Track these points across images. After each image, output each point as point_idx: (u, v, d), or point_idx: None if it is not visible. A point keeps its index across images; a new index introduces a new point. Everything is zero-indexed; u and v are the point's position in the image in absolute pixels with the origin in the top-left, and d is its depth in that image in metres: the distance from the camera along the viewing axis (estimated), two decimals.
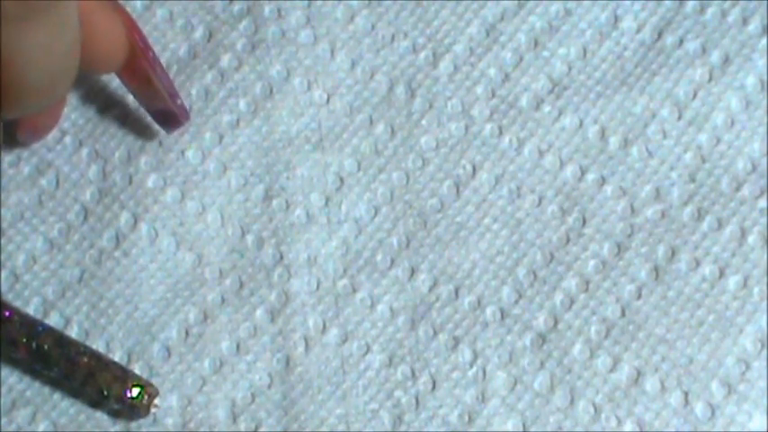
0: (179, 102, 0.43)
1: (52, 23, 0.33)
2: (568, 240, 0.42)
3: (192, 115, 0.44)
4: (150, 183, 0.43)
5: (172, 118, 0.43)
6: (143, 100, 0.43)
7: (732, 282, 0.42)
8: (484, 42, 0.44)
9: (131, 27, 0.40)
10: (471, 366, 0.41)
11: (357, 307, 0.42)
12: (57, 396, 0.41)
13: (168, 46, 0.44)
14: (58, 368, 0.40)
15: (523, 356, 0.41)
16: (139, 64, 0.41)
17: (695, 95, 0.44)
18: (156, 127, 0.44)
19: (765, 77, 0.44)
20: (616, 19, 0.44)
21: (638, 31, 0.44)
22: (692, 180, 0.43)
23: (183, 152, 0.43)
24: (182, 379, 0.41)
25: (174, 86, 0.42)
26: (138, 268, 0.42)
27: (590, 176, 0.43)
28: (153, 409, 0.40)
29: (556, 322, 0.41)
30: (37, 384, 0.41)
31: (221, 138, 0.43)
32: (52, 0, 0.33)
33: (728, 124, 0.43)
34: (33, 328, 0.41)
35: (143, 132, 0.44)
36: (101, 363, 0.40)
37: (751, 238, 0.42)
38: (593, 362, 0.41)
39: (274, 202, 0.43)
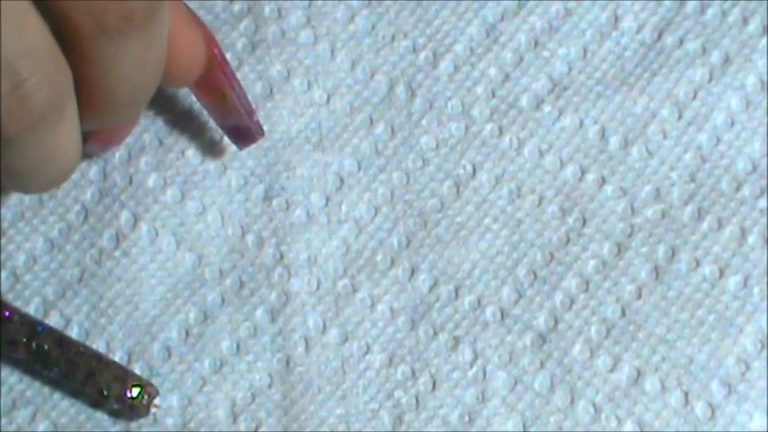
0: (255, 118, 0.42)
1: (148, 38, 0.33)
2: (568, 240, 0.42)
3: (191, 115, 0.44)
4: (150, 182, 0.43)
5: (246, 134, 0.42)
6: (216, 115, 0.42)
7: (732, 282, 0.42)
8: (484, 42, 0.44)
9: (210, 41, 0.40)
10: (471, 366, 0.41)
11: (357, 307, 0.42)
12: (57, 396, 0.41)
13: None
14: (58, 368, 0.40)
15: (524, 356, 0.41)
16: (216, 78, 0.40)
17: (695, 95, 0.44)
18: (157, 127, 0.43)
19: (765, 77, 0.44)
20: (616, 19, 0.44)
21: (639, 31, 0.44)
22: (693, 180, 0.43)
23: (183, 152, 0.43)
24: (182, 379, 0.41)
25: (250, 103, 0.42)
26: (139, 268, 0.42)
27: (590, 176, 0.43)
28: (153, 409, 0.40)
29: (556, 322, 0.41)
30: (37, 384, 0.41)
31: (221, 137, 0.43)
32: (151, 15, 0.33)
33: (729, 124, 0.43)
34: (33, 328, 0.41)
35: (143, 132, 0.44)
36: (101, 363, 0.40)
37: (751, 239, 0.42)
38: (593, 362, 0.41)
39: (274, 202, 0.43)
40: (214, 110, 0.42)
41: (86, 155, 0.42)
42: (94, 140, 0.40)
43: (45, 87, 0.32)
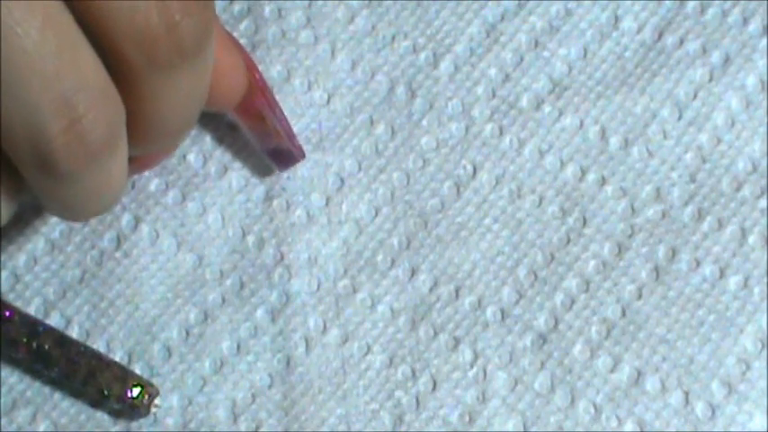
0: (296, 141, 0.42)
1: (196, 69, 0.34)
2: (569, 241, 0.42)
3: None
4: (152, 187, 0.43)
5: (287, 156, 0.42)
6: (256, 138, 0.42)
7: (732, 282, 0.42)
8: (484, 42, 0.44)
9: (251, 66, 0.40)
10: (472, 367, 0.41)
11: (358, 307, 0.42)
12: (57, 396, 0.41)
13: None
14: (59, 368, 0.40)
15: (524, 357, 0.41)
16: (256, 103, 0.40)
17: (696, 96, 0.44)
18: None
19: (766, 77, 0.44)
20: (616, 19, 0.44)
21: (639, 31, 0.44)
22: (693, 180, 0.43)
23: (184, 155, 0.44)
24: (182, 379, 0.41)
25: (290, 125, 0.42)
26: (139, 269, 0.42)
27: (590, 177, 0.43)
28: (153, 409, 0.41)
29: (556, 322, 0.41)
30: (37, 384, 0.41)
31: (222, 139, 0.44)
32: (201, 47, 0.33)
33: (729, 124, 0.43)
34: (34, 328, 0.41)
35: None
36: (101, 363, 0.40)
37: (751, 239, 0.42)
38: (593, 362, 0.41)
39: (275, 203, 0.43)
40: (254, 133, 0.42)
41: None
42: (134, 165, 0.40)
43: (101, 123, 0.32)
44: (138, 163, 0.39)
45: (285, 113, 0.42)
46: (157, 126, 0.35)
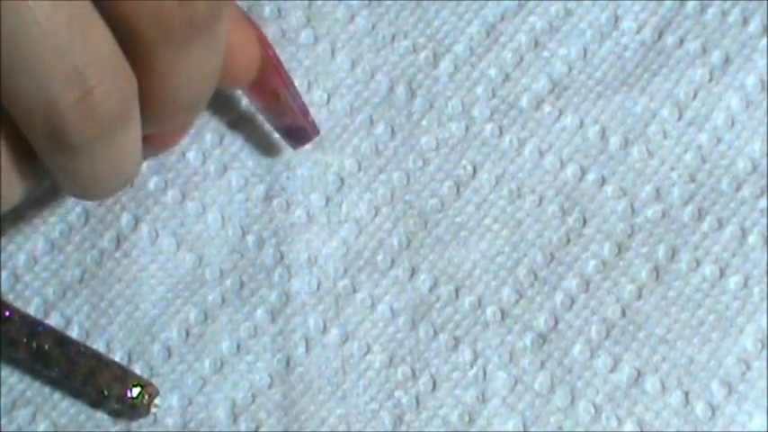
0: (310, 118, 0.42)
1: (209, 42, 0.33)
2: (569, 240, 0.42)
3: None
4: (152, 185, 0.43)
5: (301, 134, 0.42)
6: (270, 116, 0.42)
7: (732, 282, 0.42)
8: (484, 42, 0.44)
9: (264, 42, 0.40)
10: (472, 366, 0.41)
11: (357, 307, 0.42)
12: (57, 396, 0.41)
13: None
14: (59, 368, 0.40)
15: (524, 357, 0.41)
16: (270, 80, 0.40)
17: (695, 95, 0.44)
18: None
19: (766, 77, 0.44)
20: (616, 19, 0.44)
21: (639, 31, 0.44)
22: (693, 180, 0.43)
23: (183, 154, 0.44)
24: (182, 379, 0.41)
25: (304, 102, 0.41)
26: (139, 269, 0.42)
27: (590, 176, 0.43)
28: (153, 409, 0.41)
29: (556, 322, 0.41)
30: (37, 384, 0.41)
31: (222, 138, 0.44)
32: (214, 19, 0.33)
33: (729, 124, 0.43)
34: (34, 328, 0.41)
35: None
36: (101, 363, 0.40)
37: (751, 238, 0.42)
38: (593, 362, 0.41)
39: (275, 203, 0.43)
40: (268, 111, 0.42)
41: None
42: (150, 145, 0.40)
43: (113, 96, 0.32)
44: (152, 143, 0.39)
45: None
46: (171, 102, 0.34)
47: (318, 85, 0.44)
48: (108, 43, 0.32)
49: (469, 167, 0.43)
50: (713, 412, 0.40)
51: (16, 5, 0.30)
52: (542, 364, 0.41)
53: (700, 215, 0.42)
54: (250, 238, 0.43)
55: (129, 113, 0.33)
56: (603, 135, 0.43)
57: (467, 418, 0.41)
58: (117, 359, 0.41)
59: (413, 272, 0.42)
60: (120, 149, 0.34)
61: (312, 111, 0.43)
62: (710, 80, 0.44)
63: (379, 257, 0.42)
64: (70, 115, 0.31)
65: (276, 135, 0.43)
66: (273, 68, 0.40)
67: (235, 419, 0.41)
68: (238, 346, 0.41)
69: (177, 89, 0.34)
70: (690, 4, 0.44)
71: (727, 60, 0.44)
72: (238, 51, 0.38)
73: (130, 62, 0.33)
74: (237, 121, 0.44)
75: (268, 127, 0.43)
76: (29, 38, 0.30)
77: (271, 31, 0.44)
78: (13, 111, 0.32)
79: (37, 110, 0.31)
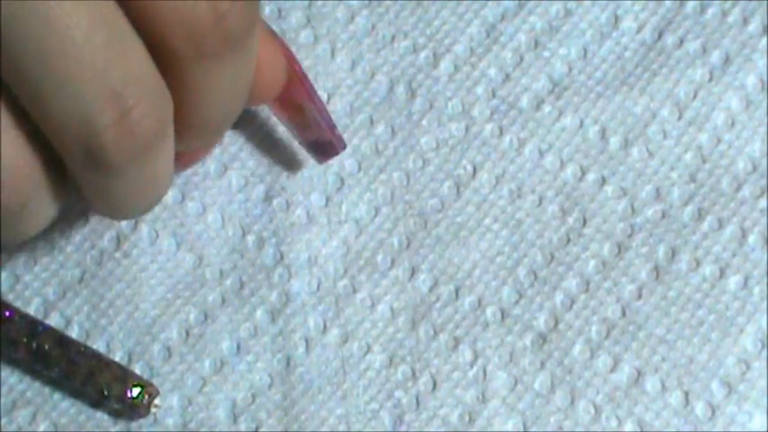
0: (336, 132, 0.41)
1: (242, 60, 0.33)
2: (569, 240, 0.42)
3: None
4: None
5: (327, 148, 0.42)
6: (296, 130, 0.42)
7: (732, 282, 0.42)
8: (484, 42, 0.44)
9: (290, 57, 0.39)
10: (472, 366, 0.41)
11: (357, 307, 0.42)
12: (57, 396, 0.41)
13: None
14: (59, 368, 0.40)
15: (524, 357, 0.41)
16: (295, 94, 0.40)
17: (695, 95, 0.44)
18: None
19: (766, 77, 0.44)
20: (616, 19, 0.44)
21: (639, 31, 0.44)
22: (693, 180, 0.43)
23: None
24: (182, 379, 0.41)
25: (330, 116, 0.41)
26: (139, 269, 0.42)
27: (590, 176, 0.43)
28: (153, 410, 0.40)
29: (556, 322, 0.41)
30: (37, 384, 0.41)
31: (222, 138, 0.43)
32: (247, 36, 0.33)
33: (729, 124, 0.43)
34: (34, 328, 0.41)
35: None
36: (101, 363, 0.40)
37: (751, 238, 0.42)
38: (593, 362, 0.41)
39: (275, 203, 0.43)
40: (293, 124, 0.42)
41: None
42: (177, 162, 0.39)
43: (150, 116, 0.32)
44: (180, 160, 0.38)
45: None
46: (203, 118, 0.34)
47: (318, 85, 0.44)
48: (145, 63, 0.32)
49: (469, 167, 0.43)
50: (713, 412, 0.40)
51: (55, 26, 0.30)
52: (542, 364, 0.41)
53: (700, 215, 0.42)
54: (250, 238, 0.43)
55: (165, 133, 0.33)
56: (603, 135, 0.43)
57: (467, 418, 0.41)
58: (117, 359, 0.41)
59: (413, 272, 0.42)
60: (154, 169, 0.33)
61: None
62: (710, 80, 0.44)
63: (379, 257, 0.42)
64: (108, 136, 0.31)
65: (278, 134, 0.43)
66: (299, 83, 0.40)
67: (235, 419, 0.41)
68: (238, 346, 0.41)
69: (209, 106, 0.34)
70: (690, 4, 0.44)
71: (727, 60, 0.44)
72: (266, 67, 0.37)
73: (165, 81, 0.32)
74: (238, 121, 0.44)
75: (268, 127, 0.43)
76: (67, 58, 0.30)
77: None
78: (49, 131, 0.32)
79: (74, 130, 0.31)
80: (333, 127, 0.41)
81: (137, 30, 0.31)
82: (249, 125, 0.44)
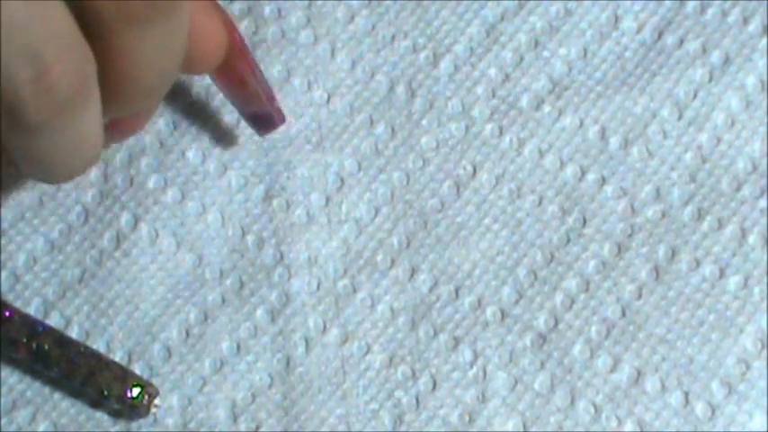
0: (276, 105, 0.42)
1: (171, 24, 0.33)
2: (569, 240, 0.42)
3: (192, 115, 0.44)
4: (151, 184, 0.43)
5: (268, 121, 0.42)
6: (237, 102, 0.42)
7: (732, 282, 0.42)
8: (484, 42, 0.44)
9: (231, 27, 0.39)
10: (472, 366, 0.41)
11: (357, 307, 0.42)
12: (57, 396, 0.41)
13: None
14: (59, 368, 0.40)
15: (524, 356, 0.41)
16: (237, 66, 0.40)
17: (695, 95, 0.44)
18: (157, 129, 0.44)
19: (766, 77, 0.44)
20: (616, 19, 0.44)
21: (639, 31, 0.44)
22: (693, 180, 0.43)
23: (183, 153, 0.44)
24: (182, 379, 0.41)
25: (271, 89, 0.41)
26: (139, 269, 0.42)
27: (590, 176, 0.43)
28: (153, 410, 0.40)
29: (556, 322, 0.41)
30: (37, 384, 0.41)
31: (222, 137, 0.44)
32: (176, 1, 0.33)
33: (729, 124, 0.43)
34: (34, 328, 0.41)
35: (144, 134, 0.44)
36: (101, 363, 0.40)
37: (751, 238, 0.42)
38: (593, 362, 0.41)
39: (275, 202, 0.43)
40: (234, 97, 0.42)
41: (105, 144, 0.42)
42: (114, 129, 0.39)
43: (70, 74, 0.31)
44: (116, 128, 0.38)
45: (284, 110, 0.42)
46: (132, 83, 0.34)
47: (318, 85, 0.44)
48: (66, 22, 0.31)
49: (469, 167, 0.43)
50: (713, 412, 0.40)
51: None
52: (542, 364, 0.41)
53: (700, 215, 0.42)
54: (250, 238, 0.43)
55: (87, 93, 0.33)
56: (603, 135, 0.43)
57: (467, 418, 0.41)
58: (117, 359, 0.41)
59: (413, 272, 0.42)
60: (79, 130, 0.33)
61: (312, 110, 0.43)
62: (710, 80, 0.44)
63: (379, 257, 0.42)
64: (26, 94, 0.31)
65: (278, 134, 0.43)
66: (240, 54, 0.40)
67: (235, 419, 0.41)
68: (238, 346, 0.41)
69: (138, 70, 0.34)
70: (690, 4, 0.44)
71: (727, 60, 0.44)
72: (203, 34, 0.37)
73: (91, 42, 0.32)
74: (238, 121, 0.44)
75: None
76: None
77: (271, 31, 0.44)
78: None
79: None
80: (273, 99, 0.41)
81: None
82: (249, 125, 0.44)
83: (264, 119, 0.42)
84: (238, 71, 0.40)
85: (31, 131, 0.32)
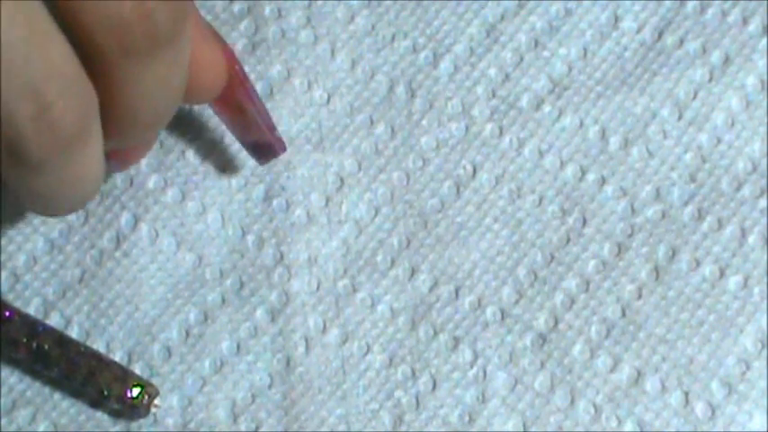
0: (276, 133, 0.41)
1: (171, 57, 0.33)
2: (569, 240, 0.42)
3: (192, 115, 0.44)
4: (151, 184, 0.43)
5: (268, 149, 0.42)
6: (236, 131, 0.42)
7: (732, 282, 0.42)
8: (484, 42, 0.44)
9: (230, 57, 0.39)
10: (472, 366, 0.41)
11: (357, 307, 0.42)
12: (57, 396, 0.41)
13: None
14: (59, 368, 0.40)
15: (524, 356, 0.41)
16: (236, 95, 0.40)
17: (695, 95, 0.44)
18: None
19: (766, 77, 0.44)
20: (616, 19, 0.44)
21: (639, 31, 0.44)
22: (693, 180, 0.43)
23: (183, 153, 0.44)
24: (182, 379, 0.41)
25: (270, 118, 0.41)
26: (139, 269, 0.42)
27: (590, 176, 0.43)
28: (153, 410, 0.40)
29: (556, 322, 0.41)
30: (37, 384, 0.41)
31: (221, 137, 0.44)
32: (176, 34, 0.32)
33: (729, 124, 0.43)
34: (34, 328, 0.41)
35: None
36: (101, 363, 0.40)
37: (751, 238, 0.42)
38: (593, 362, 0.41)
39: (275, 203, 0.43)
40: (234, 125, 0.42)
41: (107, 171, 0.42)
42: (113, 160, 0.39)
43: (72, 111, 0.31)
44: (115, 159, 0.38)
45: (284, 110, 0.42)
46: (132, 117, 0.34)
47: (318, 84, 0.44)
48: (67, 58, 0.31)
49: (469, 167, 0.43)
50: (713, 412, 0.40)
51: None
52: (542, 364, 0.41)
53: (700, 215, 0.42)
54: (250, 238, 0.43)
55: (88, 129, 0.32)
56: (603, 135, 0.43)
57: (467, 418, 0.41)
58: (117, 359, 0.41)
59: (413, 272, 0.42)
60: (80, 166, 0.33)
61: (312, 110, 0.43)
62: (710, 80, 0.44)
63: (379, 257, 0.42)
64: (28, 131, 0.31)
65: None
66: (239, 83, 0.39)
67: (235, 419, 0.41)
68: (238, 346, 0.41)
69: (139, 104, 0.34)
70: (690, 4, 0.44)
71: (727, 60, 0.44)
72: (204, 66, 0.37)
73: (92, 76, 0.32)
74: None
75: None
76: None
77: (271, 31, 0.44)
78: None
79: None
80: (273, 128, 0.41)
81: (63, 27, 0.31)
82: None
83: (265, 148, 0.42)
84: (238, 100, 0.40)
85: (33, 168, 0.32)
